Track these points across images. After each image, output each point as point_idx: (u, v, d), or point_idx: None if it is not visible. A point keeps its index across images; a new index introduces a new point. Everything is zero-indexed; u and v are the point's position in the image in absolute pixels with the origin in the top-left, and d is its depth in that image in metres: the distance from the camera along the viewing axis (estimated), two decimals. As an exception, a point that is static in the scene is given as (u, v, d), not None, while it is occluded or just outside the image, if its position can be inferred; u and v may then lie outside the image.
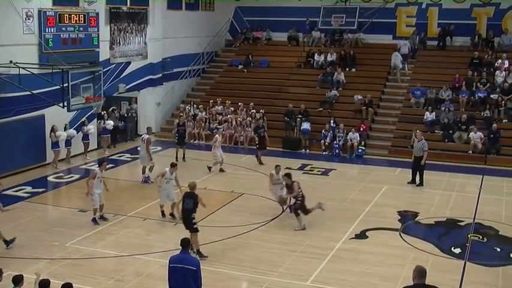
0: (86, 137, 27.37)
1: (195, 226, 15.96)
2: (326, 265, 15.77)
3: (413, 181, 23.56)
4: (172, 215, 19.00)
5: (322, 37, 36.80)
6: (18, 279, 11.22)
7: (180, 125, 27.39)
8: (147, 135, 23.94)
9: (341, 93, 32.38)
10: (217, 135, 25.98)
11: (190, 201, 15.97)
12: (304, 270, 15.39)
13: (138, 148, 25.01)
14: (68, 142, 26.21)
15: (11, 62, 23.26)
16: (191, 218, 15.95)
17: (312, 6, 36.04)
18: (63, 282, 10.92)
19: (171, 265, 11.36)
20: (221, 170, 25.21)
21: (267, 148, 27.21)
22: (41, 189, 22.52)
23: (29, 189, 22.39)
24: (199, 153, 28.52)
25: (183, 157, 27.05)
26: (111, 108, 30.09)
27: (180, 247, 11.60)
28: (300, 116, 30.43)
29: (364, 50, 35.59)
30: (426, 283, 9.13)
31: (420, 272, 9.21)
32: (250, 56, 36.39)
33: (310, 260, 16.05)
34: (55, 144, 25.44)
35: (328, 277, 15.00)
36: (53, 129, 25.29)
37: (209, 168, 25.18)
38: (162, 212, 19.24)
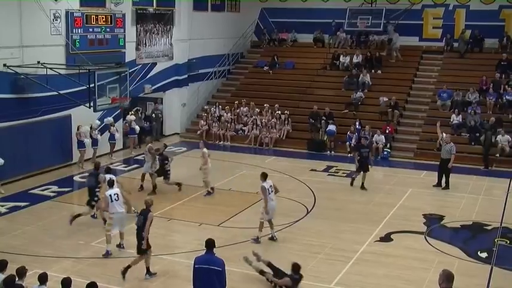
0: (112, 137, 27.53)
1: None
2: (350, 268, 15.70)
3: (439, 184, 23.37)
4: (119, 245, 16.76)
5: (348, 39, 36.67)
6: (43, 278, 11.33)
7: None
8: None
9: (367, 95, 32.24)
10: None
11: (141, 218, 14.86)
12: (328, 272, 15.34)
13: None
14: (95, 142, 26.37)
15: (38, 62, 23.48)
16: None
17: (338, 7, 35.93)
18: (88, 281, 10.98)
19: (196, 266, 11.37)
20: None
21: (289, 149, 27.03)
22: (67, 189, 22.70)
23: (55, 188, 22.58)
24: (224, 155, 28.58)
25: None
26: (135, 109, 30.19)
27: (205, 248, 11.61)
28: (324, 118, 30.34)
29: (390, 51, 35.35)
30: None
31: (448, 277, 9.10)
32: (275, 58, 36.36)
33: (334, 263, 15.99)
34: (81, 144, 25.60)
35: (352, 280, 14.93)
36: (78, 129, 25.47)
37: None
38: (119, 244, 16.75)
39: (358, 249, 16.88)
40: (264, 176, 17.58)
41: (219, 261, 11.43)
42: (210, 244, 11.62)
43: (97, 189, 18.42)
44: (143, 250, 14.83)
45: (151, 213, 14.92)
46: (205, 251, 11.61)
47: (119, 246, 16.68)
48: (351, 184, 23.47)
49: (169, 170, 22.30)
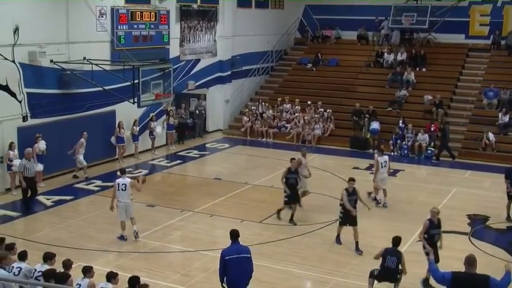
0: (153, 132, 27.76)
1: None
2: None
3: None
4: (136, 233, 17.12)
5: (393, 36, 36.33)
6: (87, 270, 11.49)
7: (291, 172, 18.93)
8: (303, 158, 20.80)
9: (411, 93, 31.90)
10: None
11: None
12: (369, 271, 15.19)
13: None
14: (136, 137, 26.66)
15: (84, 58, 23.78)
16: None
17: (383, 4, 35.59)
18: (130, 275, 11.10)
19: (227, 257, 12.01)
20: None
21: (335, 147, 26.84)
22: (110, 183, 22.77)
23: (99, 182, 22.86)
24: (266, 151, 28.64)
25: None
26: (182, 105, 30.43)
27: (231, 239, 12.30)
28: (367, 116, 30.12)
29: (435, 49, 34.93)
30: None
31: (468, 260, 9.24)
32: (319, 55, 36.22)
33: (375, 262, 15.83)
34: (120, 139, 25.96)
35: (395, 279, 14.79)
36: (119, 125, 25.76)
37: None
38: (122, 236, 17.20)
39: (400, 249, 16.67)
40: (382, 151, 21.40)
41: (246, 249, 12.34)
42: (235, 235, 12.36)
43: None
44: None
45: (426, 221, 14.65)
46: (231, 242, 12.32)
47: (135, 234, 17.14)
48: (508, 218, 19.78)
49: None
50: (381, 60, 34.74)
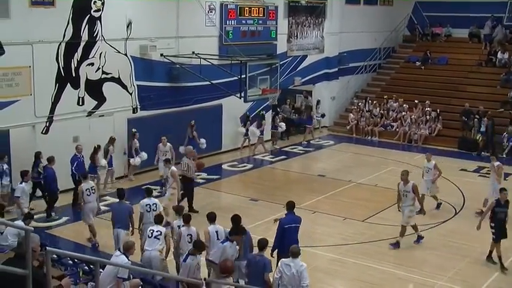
0: (277, 127, 28.24)
1: None
2: (499, 275, 14.98)
3: None
4: None
5: (508, 34, 34.99)
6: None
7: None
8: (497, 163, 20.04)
9: (524, 94, 30.67)
10: None
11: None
12: (475, 277, 14.76)
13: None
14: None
15: (193, 52, 24.22)
16: None
17: (497, 1, 34.38)
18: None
19: (286, 226, 13.15)
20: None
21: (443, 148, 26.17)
22: (215, 176, 23.27)
23: (204, 175, 23.12)
24: (371, 150, 28.32)
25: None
26: (287, 101, 30.68)
27: (287, 209, 13.54)
28: (477, 116, 29.15)
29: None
30: None
31: None
32: (428, 53, 35.41)
33: (482, 268, 15.34)
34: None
35: None
36: (248, 118, 26.71)
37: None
38: None
39: (510, 257, 16.03)
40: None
41: (300, 219, 13.53)
42: (292, 206, 13.62)
43: None
44: None
45: None
46: (288, 212, 13.54)
47: None
48: None
49: None
50: (493, 59, 33.56)
